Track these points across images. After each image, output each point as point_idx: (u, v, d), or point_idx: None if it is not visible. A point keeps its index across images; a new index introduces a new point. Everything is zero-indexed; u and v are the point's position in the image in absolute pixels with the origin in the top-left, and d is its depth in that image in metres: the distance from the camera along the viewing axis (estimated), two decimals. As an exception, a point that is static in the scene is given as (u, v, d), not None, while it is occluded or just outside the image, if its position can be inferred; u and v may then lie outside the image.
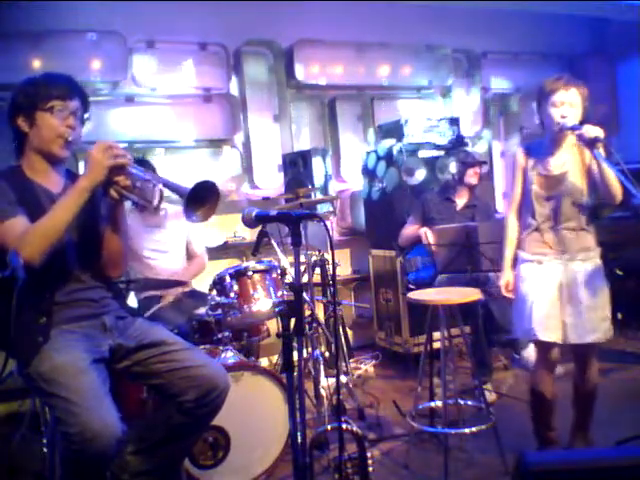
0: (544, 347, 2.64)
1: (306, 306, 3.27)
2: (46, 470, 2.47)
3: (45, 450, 2.74)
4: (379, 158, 4.68)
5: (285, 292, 3.18)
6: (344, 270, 5.15)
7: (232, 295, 3.09)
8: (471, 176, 4.07)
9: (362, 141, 5.25)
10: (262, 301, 3.15)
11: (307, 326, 3.23)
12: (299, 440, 1.90)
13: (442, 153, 4.58)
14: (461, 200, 4.14)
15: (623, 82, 6.16)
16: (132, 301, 3.28)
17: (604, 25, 5.98)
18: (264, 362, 4.36)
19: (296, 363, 1.88)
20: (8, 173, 2.09)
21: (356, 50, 5.15)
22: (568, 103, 2.52)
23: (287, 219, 1.88)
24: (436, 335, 3.13)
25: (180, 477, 2.45)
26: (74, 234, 2.08)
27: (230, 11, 4.57)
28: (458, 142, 4.66)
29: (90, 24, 4.24)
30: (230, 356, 2.90)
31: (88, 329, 2.09)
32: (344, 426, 2.27)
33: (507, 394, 3.67)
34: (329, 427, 2.46)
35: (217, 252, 4.39)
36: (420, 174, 4.53)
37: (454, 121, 4.84)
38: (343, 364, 3.89)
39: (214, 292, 3.16)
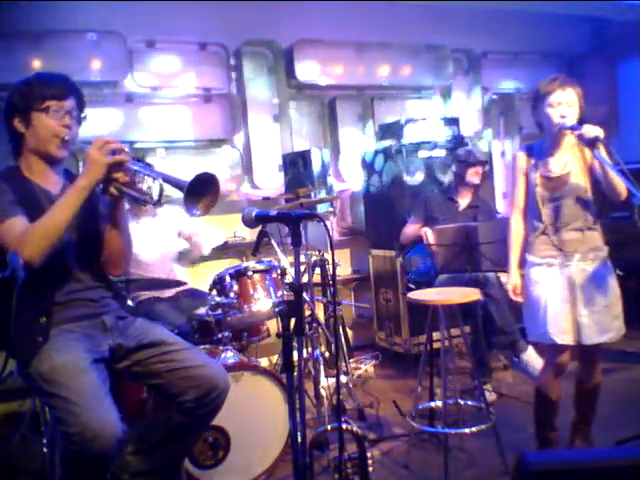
0: (556, 350, 2.60)
1: (306, 306, 3.26)
2: (46, 470, 2.47)
3: (45, 450, 2.74)
4: (377, 152, 4.68)
5: (285, 292, 3.18)
6: (344, 270, 5.14)
7: (232, 295, 3.09)
8: (472, 175, 4.04)
9: (362, 141, 5.24)
10: (262, 301, 3.15)
11: (307, 326, 3.22)
12: (299, 440, 1.90)
13: (442, 153, 4.58)
14: (464, 200, 4.12)
15: (623, 82, 6.15)
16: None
17: (604, 25, 5.97)
18: (264, 362, 4.36)
19: (296, 363, 1.88)
20: (7, 173, 2.09)
21: (356, 50, 5.15)
22: (565, 103, 2.51)
23: (287, 219, 1.88)
24: (436, 335, 3.13)
25: (180, 477, 2.45)
26: (74, 234, 2.08)
27: (230, 11, 4.57)
28: (458, 142, 4.66)
29: (90, 24, 4.24)
30: (230, 356, 2.89)
31: (88, 329, 2.09)
32: (344, 426, 2.27)
33: (507, 394, 3.66)
34: (329, 427, 2.46)
35: (217, 252, 4.39)
36: (420, 174, 4.53)
37: (454, 121, 4.84)
38: (343, 364, 3.89)
39: (214, 292, 3.16)
